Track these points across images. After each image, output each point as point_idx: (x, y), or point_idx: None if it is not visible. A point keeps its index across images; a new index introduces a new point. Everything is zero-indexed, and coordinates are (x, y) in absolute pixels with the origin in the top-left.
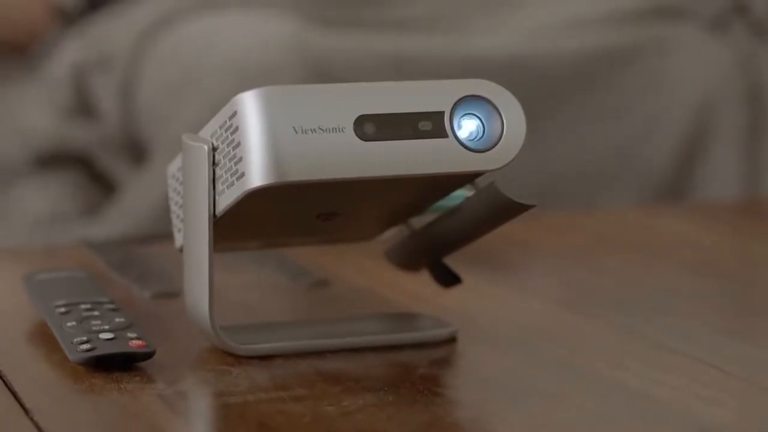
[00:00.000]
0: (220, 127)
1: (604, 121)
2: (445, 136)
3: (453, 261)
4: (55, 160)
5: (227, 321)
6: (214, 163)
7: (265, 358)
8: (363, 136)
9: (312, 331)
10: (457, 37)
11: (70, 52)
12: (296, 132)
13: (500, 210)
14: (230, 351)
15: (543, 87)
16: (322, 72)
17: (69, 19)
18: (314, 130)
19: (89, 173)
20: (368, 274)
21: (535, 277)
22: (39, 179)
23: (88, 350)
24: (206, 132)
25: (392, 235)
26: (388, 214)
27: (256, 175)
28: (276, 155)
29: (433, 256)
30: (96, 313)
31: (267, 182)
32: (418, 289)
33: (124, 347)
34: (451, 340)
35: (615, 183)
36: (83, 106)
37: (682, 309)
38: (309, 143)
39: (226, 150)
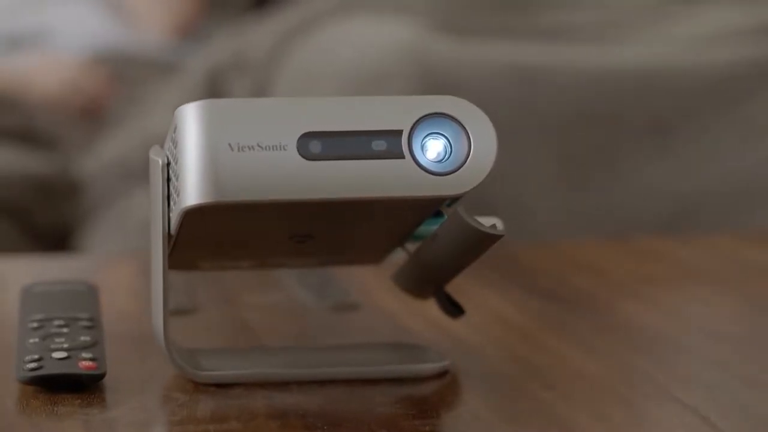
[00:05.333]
0: (170, 141)
1: (752, 139)
2: (401, 156)
3: (502, 280)
4: None
5: (218, 344)
6: (168, 179)
7: (226, 386)
8: (307, 155)
9: (286, 360)
10: (592, 48)
11: (210, 53)
12: (232, 149)
13: (467, 239)
14: (187, 376)
15: (685, 101)
16: (438, 81)
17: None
18: (252, 147)
19: None
20: (401, 298)
21: (577, 307)
22: None
23: (33, 369)
24: (166, 145)
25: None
26: (377, 237)
27: (191, 193)
28: (211, 173)
29: (432, 283)
30: (65, 330)
31: (200, 201)
32: (442, 317)
33: (72, 368)
34: (440, 376)
35: (761, 205)
36: None
37: (713, 351)
38: (247, 161)
39: (173, 165)
